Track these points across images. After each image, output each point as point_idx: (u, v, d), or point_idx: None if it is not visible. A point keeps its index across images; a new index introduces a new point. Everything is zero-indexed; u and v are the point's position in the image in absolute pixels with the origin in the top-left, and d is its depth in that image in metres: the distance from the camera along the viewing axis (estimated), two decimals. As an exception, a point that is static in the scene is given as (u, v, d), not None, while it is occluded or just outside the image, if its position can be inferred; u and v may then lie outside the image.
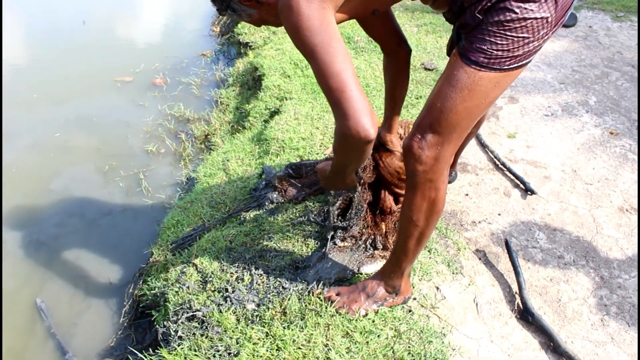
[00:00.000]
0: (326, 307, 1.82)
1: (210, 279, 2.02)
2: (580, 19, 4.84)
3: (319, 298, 1.86)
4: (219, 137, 3.66)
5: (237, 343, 1.72)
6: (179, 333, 1.82)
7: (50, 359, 2.29)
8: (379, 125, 2.13)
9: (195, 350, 1.71)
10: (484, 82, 1.33)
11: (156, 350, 1.76)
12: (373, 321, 1.80)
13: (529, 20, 1.26)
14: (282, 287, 1.93)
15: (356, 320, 1.79)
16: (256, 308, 1.85)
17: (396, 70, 1.94)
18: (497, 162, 2.82)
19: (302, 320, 1.78)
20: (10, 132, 3.76)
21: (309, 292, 1.89)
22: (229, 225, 2.37)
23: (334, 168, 1.66)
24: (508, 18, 1.25)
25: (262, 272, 2.00)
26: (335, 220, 2.06)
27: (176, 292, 2.01)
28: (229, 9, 1.46)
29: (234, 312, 1.84)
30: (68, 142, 3.72)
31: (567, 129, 3.15)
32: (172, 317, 1.91)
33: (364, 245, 2.07)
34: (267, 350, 1.68)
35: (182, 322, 1.85)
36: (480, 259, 2.21)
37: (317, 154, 2.79)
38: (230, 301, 1.88)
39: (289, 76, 3.76)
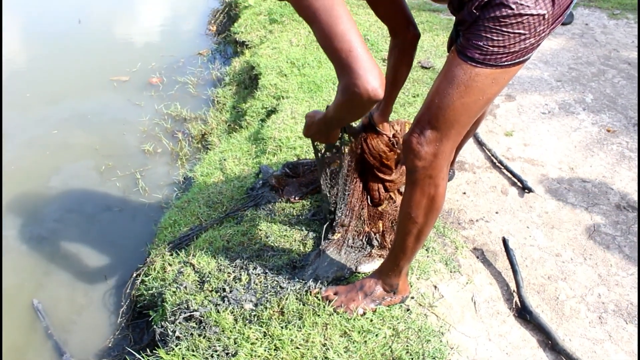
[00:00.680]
0: (324, 307, 1.82)
1: (207, 278, 2.01)
2: (577, 17, 4.85)
3: (317, 297, 1.85)
4: (216, 137, 3.66)
5: (235, 343, 1.72)
6: (177, 333, 1.81)
7: (48, 359, 2.28)
8: None
9: (193, 351, 1.71)
10: (481, 79, 1.34)
11: (154, 351, 1.76)
12: (371, 320, 1.80)
13: (525, 17, 1.25)
14: (280, 286, 1.92)
15: (354, 319, 1.79)
16: (254, 308, 1.84)
17: (401, 53, 1.93)
18: (495, 160, 2.82)
19: (300, 319, 1.78)
20: (6, 131, 3.74)
21: (306, 291, 1.88)
22: (226, 225, 2.36)
23: (329, 121, 1.60)
24: (504, 14, 1.25)
25: (259, 272, 2.00)
26: (328, 196, 2.06)
27: (174, 292, 2.00)
28: None
29: (232, 312, 1.84)
30: (64, 142, 3.71)
31: (564, 127, 3.15)
32: (170, 317, 1.90)
33: (360, 244, 2.07)
34: (265, 350, 1.68)
35: (179, 322, 1.85)
36: (478, 257, 2.21)
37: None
38: (228, 301, 1.88)
39: (285, 75, 3.75)
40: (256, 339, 1.72)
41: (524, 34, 1.28)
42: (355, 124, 2.08)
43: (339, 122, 1.60)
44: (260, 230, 2.24)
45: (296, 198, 2.39)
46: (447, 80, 1.37)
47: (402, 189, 2.03)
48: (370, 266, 1.99)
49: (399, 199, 2.23)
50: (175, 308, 1.92)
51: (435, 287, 2.01)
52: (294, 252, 2.11)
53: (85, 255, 2.80)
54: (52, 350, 2.30)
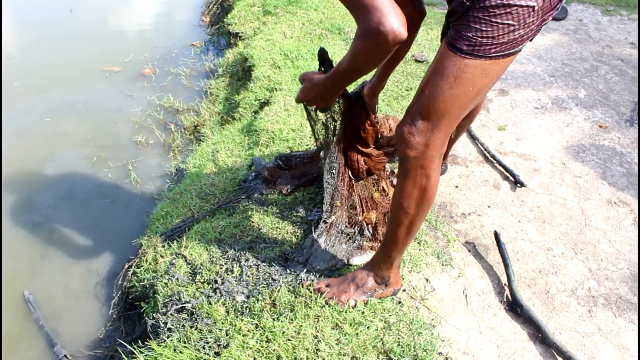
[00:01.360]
0: (316, 299, 1.82)
1: (199, 270, 2.01)
2: (571, 13, 4.86)
3: (309, 289, 1.85)
4: (209, 128, 3.64)
5: (227, 335, 1.72)
6: (169, 325, 1.81)
7: (39, 351, 2.27)
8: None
9: (184, 342, 1.71)
10: (470, 70, 1.34)
11: (145, 342, 1.76)
12: (363, 313, 1.80)
13: (514, 7, 1.26)
14: (272, 278, 1.92)
15: (346, 311, 1.79)
16: (246, 300, 1.84)
17: None
18: (487, 155, 2.82)
19: (291, 311, 1.78)
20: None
21: (298, 283, 1.88)
22: (218, 217, 2.36)
23: (339, 76, 1.53)
24: (493, 3, 1.25)
25: (251, 264, 2.00)
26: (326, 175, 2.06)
27: (165, 283, 2.00)
28: None
29: (224, 304, 1.84)
30: (55, 132, 3.68)
31: (556, 122, 3.17)
32: (162, 309, 1.90)
33: (352, 232, 2.07)
34: (256, 342, 1.68)
35: (171, 314, 1.84)
36: (469, 250, 2.22)
37: (307, 145, 2.78)
38: (220, 293, 1.88)
39: (279, 67, 3.74)
40: (248, 331, 1.72)
41: (513, 25, 1.28)
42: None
43: (352, 75, 1.50)
44: (253, 222, 2.24)
45: (288, 190, 2.39)
46: (437, 71, 1.38)
47: (395, 182, 2.03)
48: (362, 258, 1.99)
49: (391, 191, 2.24)
50: (167, 300, 1.92)
51: (427, 280, 2.02)
52: (286, 244, 2.10)
53: (76, 246, 2.78)
54: (43, 342, 2.29)
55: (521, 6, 1.26)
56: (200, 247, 2.13)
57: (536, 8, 1.27)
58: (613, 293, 2.05)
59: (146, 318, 1.96)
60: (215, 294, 1.88)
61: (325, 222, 2.05)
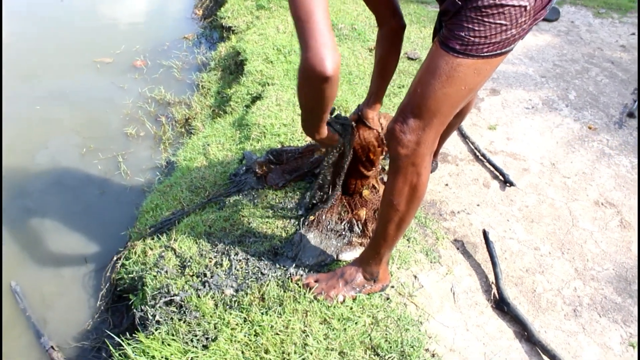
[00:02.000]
0: (304, 294, 1.83)
1: (188, 263, 2.01)
2: (563, 14, 4.88)
3: (298, 284, 1.86)
4: (200, 121, 3.63)
5: (215, 328, 1.72)
6: (157, 317, 1.81)
7: (26, 342, 2.26)
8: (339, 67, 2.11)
9: (172, 335, 1.71)
10: (462, 69, 1.35)
11: (133, 335, 1.75)
12: (351, 308, 1.81)
13: (507, 7, 1.27)
14: (261, 272, 1.92)
15: (334, 307, 1.80)
16: (234, 293, 1.85)
17: (388, 43, 1.90)
18: (478, 154, 2.84)
19: (280, 306, 1.78)
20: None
21: (287, 278, 1.89)
22: (208, 210, 2.35)
23: (301, 109, 1.53)
24: (485, 3, 1.26)
25: (241, 258, 2.00)
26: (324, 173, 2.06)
27: (154, 276, 1.99)
28: None
29: (212, 297, 1.84)
30: (45, 123, 3.65)
31: (547, 123, 3.19)
32: (150, 301, 1.89)
33: (341, 228, 2.08)
34: (245, 336, 1.68)
35: (160, 307, 1.84)
36: (458, 248, 2.23)
37: (299, 140, 2.78)
38: (209, 286, 1.88)
39: (271, 62, 3.73)
40: (236, 325, 1.72)
41: (505, 25, 1.29)
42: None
43: (308, 111, 1.50)
44: (243, 216, 2.24)
45: (279, 185, 2.39)
46: (430, 70, 1.39)
47: (385, 179, 2.03)
48: (351, 254, 2.00)
49: (382, 189, 2.25)
50: (156, 292, 1.92)
51: (415, 277, 2.03)
52: (276, 238, 2.11)
53: (65, 237, 2.77)
54: (30, 333, 2.28)
55: (513, 6, 1.27)
56: (189, 240, 2.12)
57: (528, 8, 1.28)
58: (598, 293, 2.08)
59: (134, 310, 1.96)
60: (204, 287, 1.88)
61: (314, 217, 2.06)
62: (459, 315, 1.92)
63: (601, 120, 3.24)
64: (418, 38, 4.25)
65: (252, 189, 2.40)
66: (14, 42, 4.75)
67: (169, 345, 1.66)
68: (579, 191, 2.61)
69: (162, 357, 1.63)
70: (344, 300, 1.83)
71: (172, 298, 1.85)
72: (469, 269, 2.14)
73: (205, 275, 1.94)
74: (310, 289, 1.84)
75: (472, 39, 1.31)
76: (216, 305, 1.81)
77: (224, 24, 4.94)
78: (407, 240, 2.19)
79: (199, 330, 1.71)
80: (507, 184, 2.62)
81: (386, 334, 1.74)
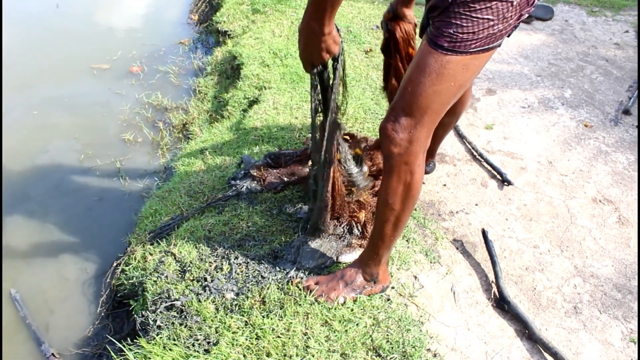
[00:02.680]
0: (305, 296, 1.83)
1: (188, 268, 2.01)
2: (557, 13, 4.90)
3: (298, 287, 1.86)
4: (197, 126, 3.63)
5: (216, 332, 1.72)
6: (158, 322, 1.81)
7: (27, 350, 2.26)
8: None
9: (174, 340, 1.71)
10: (452, 66, 1.37)
11: (135, 340, 1.75)
12: (352, 310, 1.81)
13: (494, 2, 1.29)
14: (261, 276, 1.93)
15: (335, 308, 1.80)
16: (235, 297, 1.85)
17: None
18: (475, 153, 2.85)
19: (281, 309, 1.79)
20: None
21: (288, 281, 1.89)
22: (207, 215, 2.35)
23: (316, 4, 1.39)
24: None
25: (240, 262, 2.00)
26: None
27: (154, 281, 1.99)
28: None
29: (213, 302, 1.84)
30: (43, 130, 3.65)
31: (543, 121, 3.20)
32: (151, 306, 1.89)
33: (341, 231, 2.08)
34: (246, 339, 1.68)
35: (160, 312, 1.84)
36: (457, 248, 2.24)
37: (296, 143, 2.78)
38: (209, 290, 1.88)
39: (268, 65, 3.74)
40: (237, 328, 1.72)
41: (492, 20, 1.31)
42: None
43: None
44: (242, 220, 2.24)
45: (278, 188, 2.39)
46: (419, 68, 1.40)
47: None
48: (350, 256, 2.00)
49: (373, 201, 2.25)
50: (156, 297, 1.92)
51: (416, 277, 2.04)
52: (276, 242, 2.11)
53: (64, 244, 2.76)
54: (31, 341, 2.28)
55: (500, 1, 1.29)
56: (189, 245, 2.13)
57: (514, 3, 1.31)
58: (598, 290, 2.09)
59: (135, 316, 1.96)
60: (205, 291, 1.88)
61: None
62: (460, 314, 1.93)
63: (597, 117, 3.25)
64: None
65: (251, 192, 2.40)
66: (11, 49, 4.74)
67: (170, 350, 1.66)
68: (576, 189, 2.62)
69: (164, 362, 1.63)
70: (344, 302, 1.83)
71: (172, 303, 1.85)
72: (468, 269, 2.14)
73: (205, 279, 1.94)
74: (310, 291, 1.84)
75: (461, 35, 1.32)
76: (217, 309, 1.81)
77: (219, 28, 4.94)
78: (407, 240, 2.19)
79: (201, 335, 1.71)
80: (505, 183, 2.63)
81: (387, 335, 1.74)
